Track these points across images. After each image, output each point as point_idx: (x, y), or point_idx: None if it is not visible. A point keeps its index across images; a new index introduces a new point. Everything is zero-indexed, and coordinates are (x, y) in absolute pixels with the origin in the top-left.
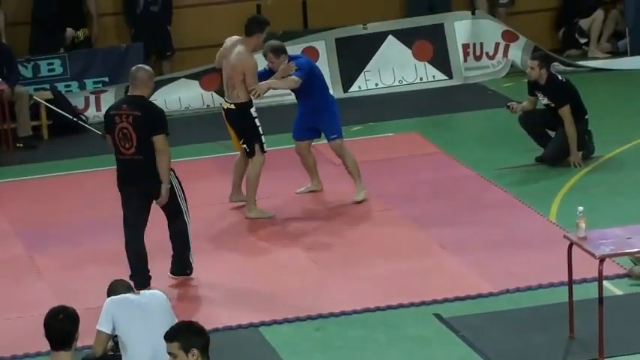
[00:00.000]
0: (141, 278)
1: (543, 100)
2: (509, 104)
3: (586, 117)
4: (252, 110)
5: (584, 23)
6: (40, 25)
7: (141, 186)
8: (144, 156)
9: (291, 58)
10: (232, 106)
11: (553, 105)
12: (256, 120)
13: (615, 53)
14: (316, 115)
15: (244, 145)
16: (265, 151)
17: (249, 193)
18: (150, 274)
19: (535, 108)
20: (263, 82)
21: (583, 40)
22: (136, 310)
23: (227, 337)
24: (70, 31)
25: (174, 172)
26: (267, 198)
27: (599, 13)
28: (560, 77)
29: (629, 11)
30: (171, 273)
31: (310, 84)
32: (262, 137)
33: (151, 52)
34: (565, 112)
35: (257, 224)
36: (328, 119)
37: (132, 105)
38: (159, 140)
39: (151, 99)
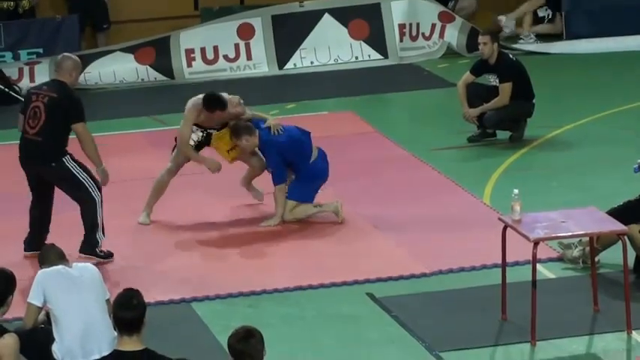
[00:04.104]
0: (30, 241)
1: (495, 81)
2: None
3: (533, 101)
4: None
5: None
6: None
7: (33, 168)
8: (43, 138)
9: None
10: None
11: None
12: None
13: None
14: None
15: None
16: None
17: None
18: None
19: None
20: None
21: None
22: (68, 283)
23: (158, 312)
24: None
25: (70, 155)
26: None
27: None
28: (511, 56)
29: None
30: (80, 251)
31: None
32: None
33: (87, 24)
34: (505, 87)
35: (189, 201)
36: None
37: (51, 87)
38: (78, 128)
39: (85, 72)
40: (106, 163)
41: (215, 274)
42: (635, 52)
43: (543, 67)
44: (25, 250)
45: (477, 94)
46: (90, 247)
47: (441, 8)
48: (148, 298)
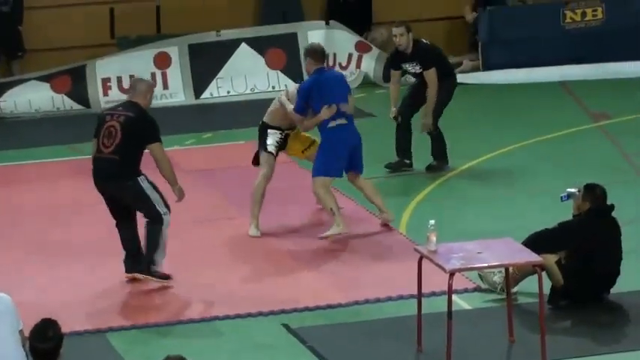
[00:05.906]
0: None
1: (413, 69)
2: (394, 116)
3: (454, 73)
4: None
5: None
6: None
7: (108, 188)
8: (119, 156)
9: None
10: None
11: (421, 71)
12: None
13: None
14: None
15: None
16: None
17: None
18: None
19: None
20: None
21: None
22: None
23: (73, 342)
24: None
25: (145, 176)
26: None
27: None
28: (425, 41)
29: (483, 26)
30: (136, 270)
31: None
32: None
33: (1, 51)
34: (431, 74)
35: (100, 231)
36: (319, 153)
37: (127, 107)
38: (155, 149)
39: (0, 100)
40: (27, 191)
41: (129, 302)
42: (551, 82)
43: (461, 98)
44: (126, 272)
45: (410, 112)
46: (146, 266)
47: (358, 38)
48: (64, 327)
